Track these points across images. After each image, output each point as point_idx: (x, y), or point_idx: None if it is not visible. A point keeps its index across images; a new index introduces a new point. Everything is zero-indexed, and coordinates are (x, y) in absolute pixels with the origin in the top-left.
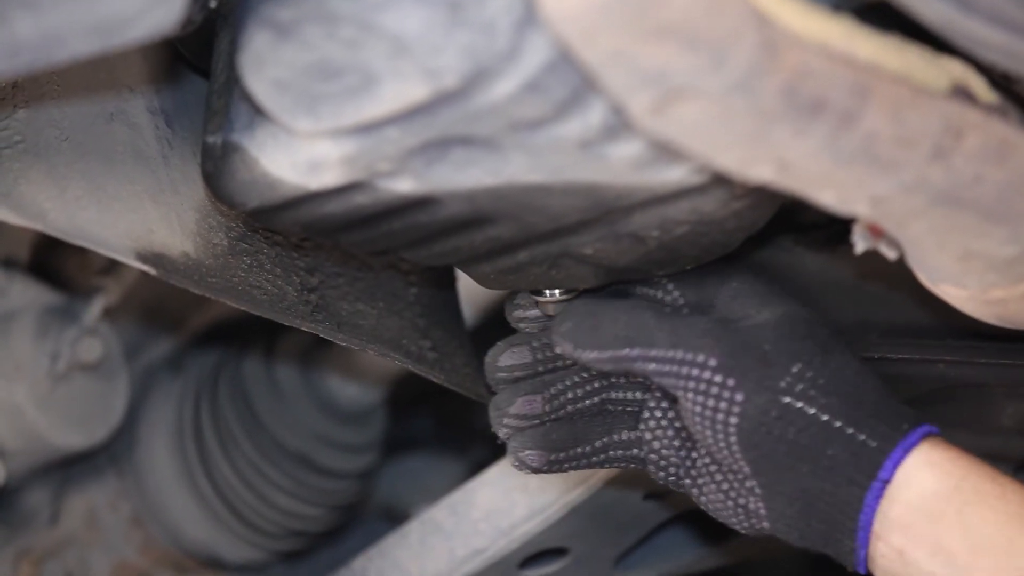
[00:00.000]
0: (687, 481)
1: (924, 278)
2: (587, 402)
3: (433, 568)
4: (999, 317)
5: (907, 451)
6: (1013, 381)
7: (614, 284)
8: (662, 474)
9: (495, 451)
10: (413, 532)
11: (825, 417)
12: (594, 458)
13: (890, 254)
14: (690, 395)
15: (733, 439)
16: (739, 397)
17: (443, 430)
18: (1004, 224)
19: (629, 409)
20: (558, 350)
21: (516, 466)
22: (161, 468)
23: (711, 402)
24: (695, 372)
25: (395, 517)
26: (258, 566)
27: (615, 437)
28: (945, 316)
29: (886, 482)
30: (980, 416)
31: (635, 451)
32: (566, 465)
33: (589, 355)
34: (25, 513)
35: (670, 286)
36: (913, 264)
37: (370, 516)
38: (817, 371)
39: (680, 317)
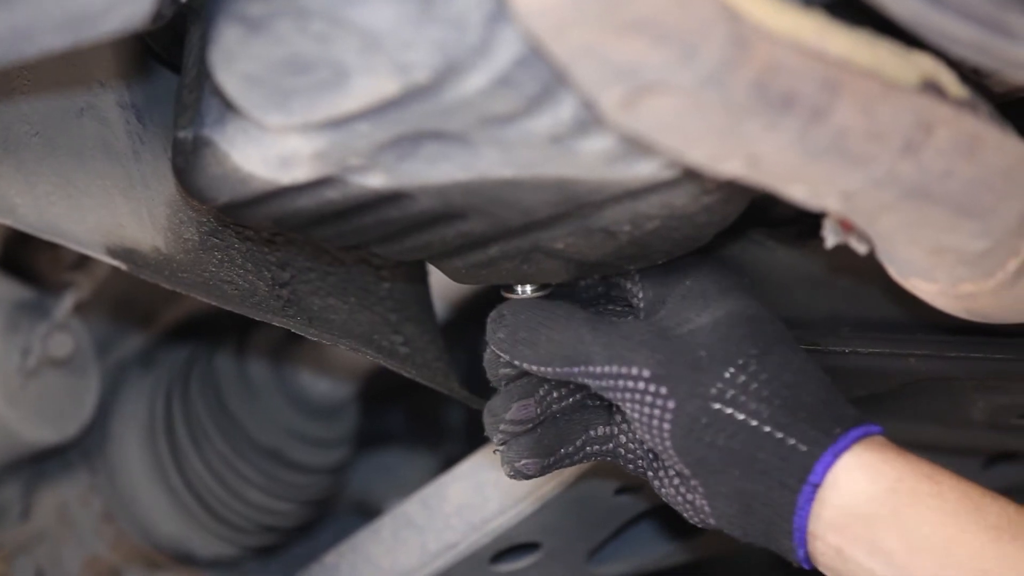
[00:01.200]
0: (649, 474)
1: (894, 272)
2: (570, 400)
3: (405, 563)
4: (969, 311)
5: (837, 455)
6: (983, 375)
7: (577, 282)
8: (631, 467)
9: (467, 446)
10: (385, 527)
11: (754, 423)
12: (576, 456)
13: (860, 248)
14: (628, 404)
15: (668, 444)
16: (671, 404)
17: (415, 425)
18: (974, 218)
19: (603, 403)
20: (501, 355)
21: (511, 475)
22: (133, 463)
23: (647, 410)
24: (630, 384)
25: (367, 512)
26: (230, 561)
27: (591, 433)
28: (915, 310)
29: (816, 486)
30: (951, 410)
31: (609, 445)
32: (554, 467)
33: (531, 367)
34: None
35: (637, 277)
36: (883, 258)
37: (342, 511)
38: (751, 375)
39: (617, 329)
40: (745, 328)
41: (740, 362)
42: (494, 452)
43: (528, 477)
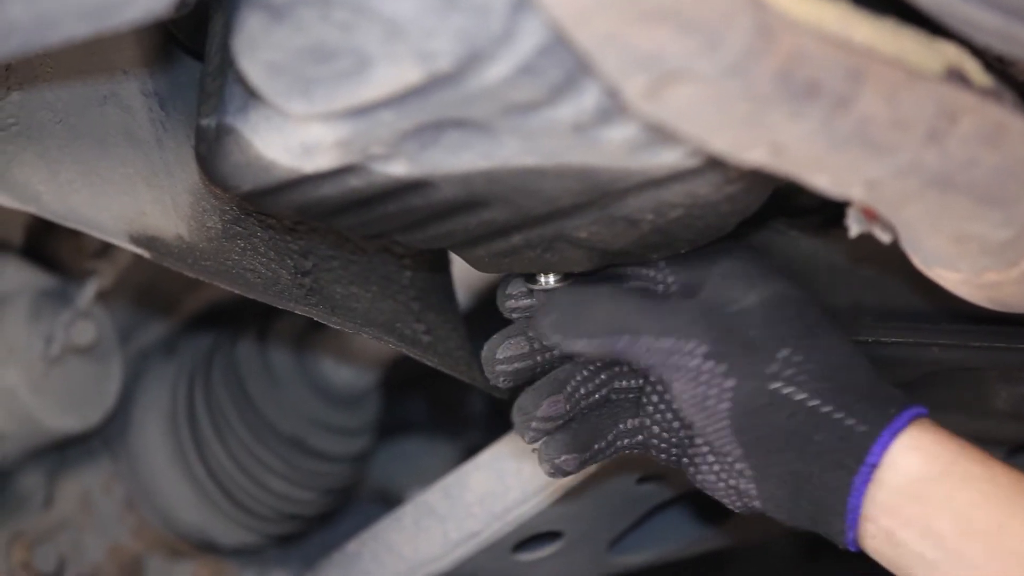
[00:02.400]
0: (684, 460)
1: (918, 261)
2: (597, 395)
3: (427, 551)
4: (993, 300)
5: (894, 435)
6: (1007, 364)
7: (602, 270)
8: (663, 456)
9: (489, 434)
10: (407, 515)
11: (814, 402)
12: (609, 451)
13: (884, 237)
14: (678, 382)
15: (725, 423)
16: (730, 383)
17: (437, 413)
18: (998, 207)
19: (630, 396)
20: (546, 342)
21: (551, 473)
22: (155, 451)
23: (702, 388)
24: (684, 360)
25: (389, 500)
26: (252, 549)
27: (621, 427)
28: (939, 299)
29: (874, 466)
30: (974, 399)
31: (639, 437)
32: (590, 463)
33: (577, 345)
34: (18, 496)
35: (662, 264)
36: (907, 247)
37: (364, 499)
38: (805, 355)
39: (667, 303)
40: (792, 309)
41: (792, 343)
42: (532, 451)
43: (567, 474)
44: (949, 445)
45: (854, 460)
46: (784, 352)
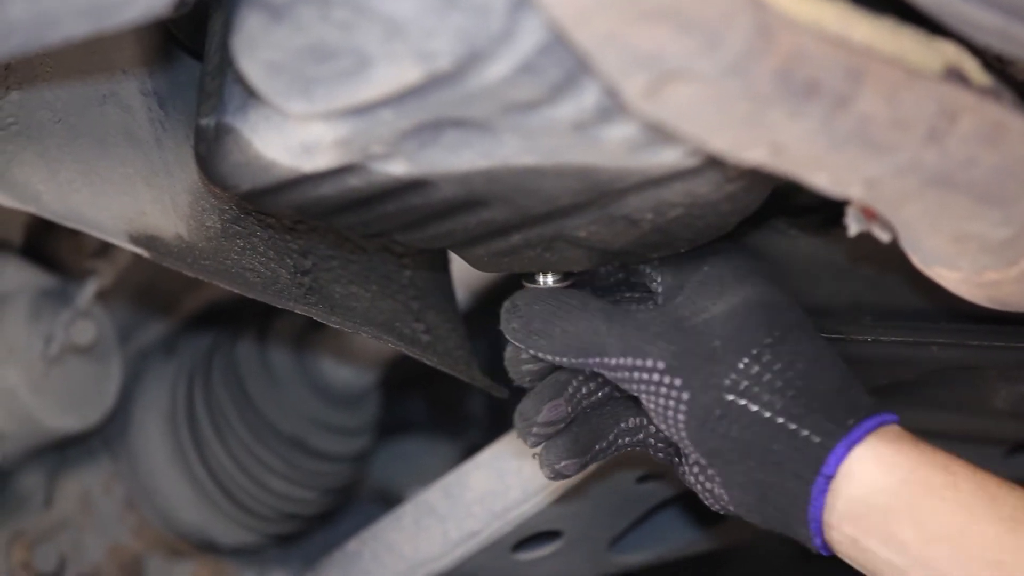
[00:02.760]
0: (676, 460)
1: (917, 260)
2: (599, 393)
3: (427, 551)
4: (992, 299)
5: (851, 447)
6: (1006, 363)
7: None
8: (660, 455)
9: (489, 434)
10: (407, 515)
11: (767, 414)
12: (609, 450)
13: (883, 237)
14: (643, 396)
15: (684, 434)
16: (685, 396)
17: (437, 413)
18: (997, 206)
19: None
20: (520, 349)
21: (552, 478)
22: (155, 451)
23: (662, 401)
24: (645, 376)
25: (389, 500)
26: (252, 549)
27: (622, 425)
28: (938, 299)
29: (830, 477)
30: (973, 398)
31: (639, 436)
32: (590, 464)
33: (545, 357)
34: (18, 496)
35: (656, 262)
36: (906, 246)
37: (364, 499)
38: (764, 365)
39: (632, 319)
40: (760, 316)
41: (754, 351)
42: (533, 457)
43: (567, 477)
44: (910, 454)
45: (810, 471)
46: (743, 362)
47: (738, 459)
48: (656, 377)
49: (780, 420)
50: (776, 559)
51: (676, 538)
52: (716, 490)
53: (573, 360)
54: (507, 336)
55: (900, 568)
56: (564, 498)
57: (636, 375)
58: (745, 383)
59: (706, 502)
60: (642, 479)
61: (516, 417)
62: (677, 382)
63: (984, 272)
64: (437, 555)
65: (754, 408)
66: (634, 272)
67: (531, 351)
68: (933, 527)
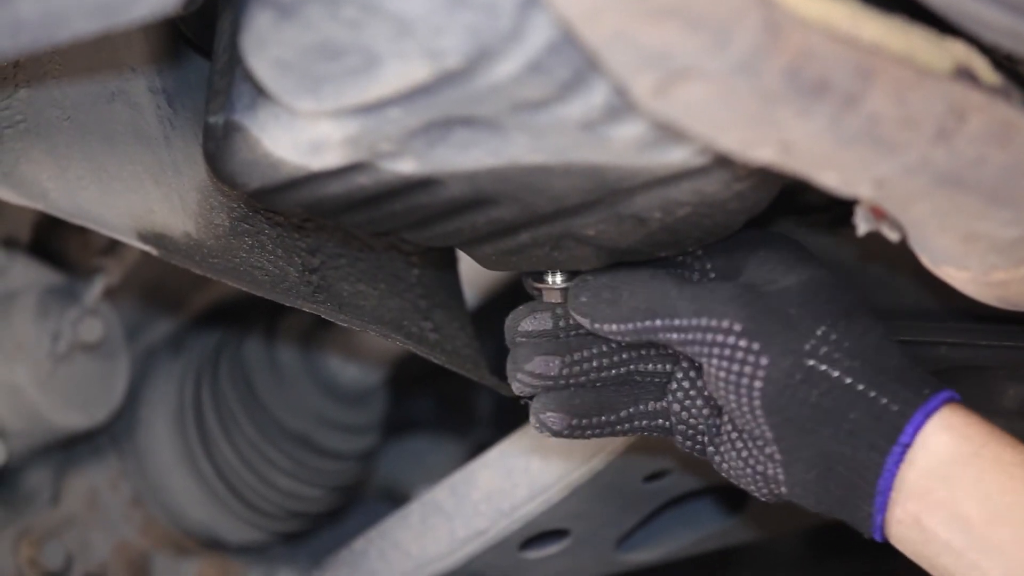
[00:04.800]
0: (711, 449)
1: (926, 260)
2: (613, 372)
3: (434, 549)
4: (1001, 299)
5: (927, 416)
6: (1015, 363)
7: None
8: (688, 443)
9: (496, 432)
10: (414, 513)
11: (848, 380)
12: (619, 427)
13: (892, 236)
14: (715, 361)
15: (757, 403)
16: (764, 361)
17: (444, 411)
18: (1006, 206)
19: (656, 380)
20: (581, 323)
21: (537, 428)
22: (162, 449)
23: (736, 367)
24: (720, 338)
25: (396, 498)
26: (259, 547)
27: (641, 407)
28: (947, 298)
29: (906, 446)
30: (982, 398)
31: (661, 421)
32: (589, 432)
33: (609, 328)
34: (25, 493)
35: (700, 252)
36: (915, 246)
37: (371, 497)
38: (841, 334)
39: (702, 284)
40: (830, 291)
41: (830, 321)
42: (522, 403)
43: (554, 432)
44: (980, 428)
45: (886, 440)
46: (821, 329)
47: (810, 429)
48: (731, 340)
49: (861, 387)
50: (783, 558)
51: (684, 537)
52: (771, 471)
53: (639, 324)
54: (573, 312)
55: (957, 550)
56: (571, 497)
57: (709, 337)
58: (825, 348)
59: (750, 486)
60: (649, 478)
61: (508, 361)
62: (755, 346)
63: (993, 272)
64: (444, 553)
65: (835, 373)
66: (673, 263)
67: (596, 324)
68: (1000, 505)
